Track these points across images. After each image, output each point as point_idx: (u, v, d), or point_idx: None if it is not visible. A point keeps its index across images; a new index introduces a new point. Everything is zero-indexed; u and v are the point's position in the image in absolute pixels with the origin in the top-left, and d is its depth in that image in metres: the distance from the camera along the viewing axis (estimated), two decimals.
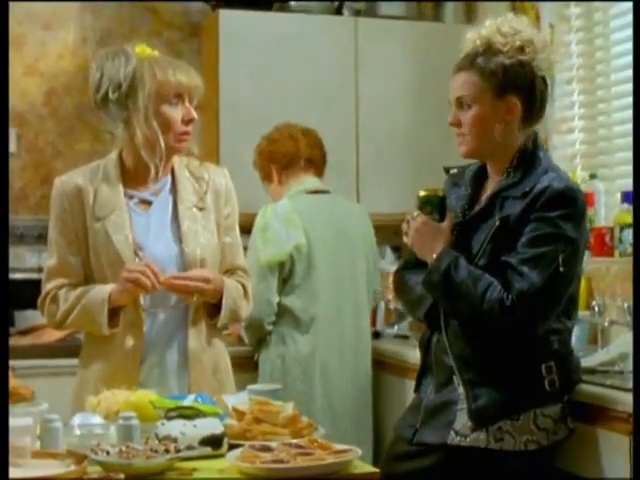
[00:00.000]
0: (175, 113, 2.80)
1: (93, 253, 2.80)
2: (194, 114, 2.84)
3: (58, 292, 2.82)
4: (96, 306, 2.74)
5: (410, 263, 2.87)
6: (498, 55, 2.68)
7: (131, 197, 2.85)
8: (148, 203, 2.86)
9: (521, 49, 2.68)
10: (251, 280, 3.00)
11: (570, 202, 2.61)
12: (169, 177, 2.89)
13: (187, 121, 2.82)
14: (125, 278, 2.69)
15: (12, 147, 4.77)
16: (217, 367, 2.89)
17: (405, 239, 2.76)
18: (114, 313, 2.75)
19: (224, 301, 2.81)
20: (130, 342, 2.78)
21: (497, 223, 2.63)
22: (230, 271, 2.93)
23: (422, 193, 2.75)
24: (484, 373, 2.63)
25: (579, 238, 2.61)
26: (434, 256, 2.66)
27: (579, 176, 4.18)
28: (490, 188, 2.75)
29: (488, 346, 2.63)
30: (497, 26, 2.71)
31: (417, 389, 2.84)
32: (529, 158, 2.69)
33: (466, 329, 2.65)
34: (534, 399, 2.64)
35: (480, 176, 2.82)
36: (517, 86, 2.68)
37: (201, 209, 2.86)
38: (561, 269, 2.55)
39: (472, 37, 2.75)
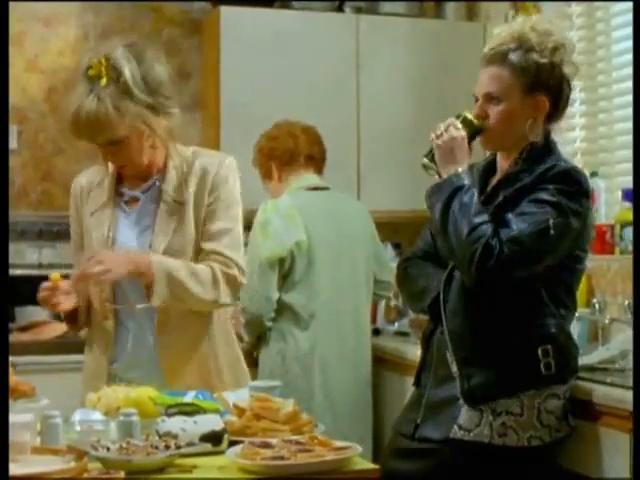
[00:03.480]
0: (100, 154, 2.77)
1: (85, 246, 2.85)
2: (114, 163, 2.79)
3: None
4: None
5: (415, 255, 2.89)
6: (531, 53, 2.68)
7: (122, 195, 2.85)
8: (137, 201, 2.85)
9: (554, 50, 2.70)
10: (235, 264, 2.79)
11: (572, 181, 2.63)
12: (161, 174, 2.84)
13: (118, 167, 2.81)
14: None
15: (13, 144, 4.77)
16: (205, 369, 2.81)
17: (432, 136, 2.73)
18: (73, 316, 2.81)
19: (156, 277, 2.67)
20: (101, 340, 2.82)
21: (500, 198, 2.66)
22: (201, 257, 2.78)
23: (467, 114, 2.74)
24: (479, 352, 2.63)
25: (573, 214, 2.60)
26: (455, 170, 2.66)
27: None
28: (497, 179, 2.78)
29: (484, 325, 2.63)
30: (532, 24, 2.73)
31: (417, 383, 2.84)
32: (539, 151, 2.71)
33: (465, 306, 2.65)
34: (529, 381, 2.63)
35: (487, 172, 2.83)
36: (547, 86, 2.70)
37: (180, 203, 2.79)
38: (551, 232, 2.56)
39: (502, 32, 2.75)
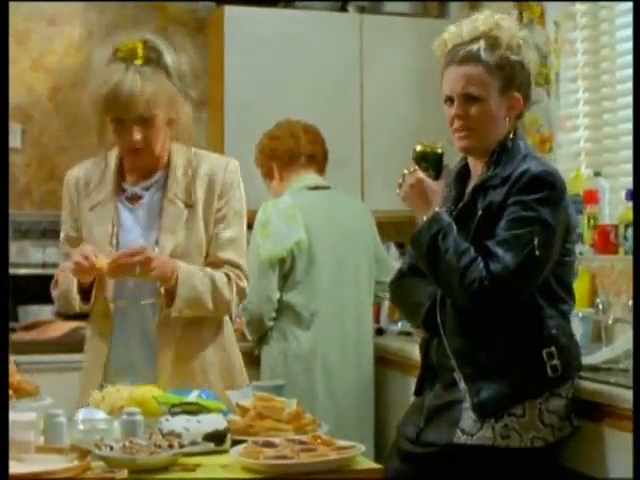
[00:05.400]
0: (119, 135, 2.74)
1: (84, 241, 2.82)
2: (136, 142, 2.72)
3: (57, 274, 2.87)
4: (70, 286, 2.76)
5: (403, 273, 2.89)
6: (505, 51, 2.67)
7: (124, 191, 2.85)
8: (140, 198, 2.85)
9: (521, 48, 2.70)
10: (244, 275, 2.85)
11: (547, 186, 2.62)
12: (164, 172, 2.84)
13: (131, 150, 2.76)
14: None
15: (17, 143, 4.77)
16: (205, 369, 2.81)
17: (398, 192, 2.73)
18: (88, 291, 2.76)
19: (178, 288, 2.70)
20: (99, 334, 2.82)
21: (480, 212, 2.64)
22: (214, 264, 2.81)
23: (419, 148, 2.72)
24: (484, 365, 2.62)
25: (555, 222, 2.60)
26: (426, 216, 2.65)
27: (584, 174, 4.18)
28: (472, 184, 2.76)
29: (486, 338, 2.63)
30: (496, 21, 2.71)
31: (418, 392, 2.83)
32: (509, 151, 2.70)
33: (462, 323, 2.64)
34: (537, 387, 2.63)
35: (463, 176, 2.82)
36: (519, 83, 2.70)
37: (189, 205, 2.79)
38: (537, 252, 2.56)
39: (462, 30, 2.73)
